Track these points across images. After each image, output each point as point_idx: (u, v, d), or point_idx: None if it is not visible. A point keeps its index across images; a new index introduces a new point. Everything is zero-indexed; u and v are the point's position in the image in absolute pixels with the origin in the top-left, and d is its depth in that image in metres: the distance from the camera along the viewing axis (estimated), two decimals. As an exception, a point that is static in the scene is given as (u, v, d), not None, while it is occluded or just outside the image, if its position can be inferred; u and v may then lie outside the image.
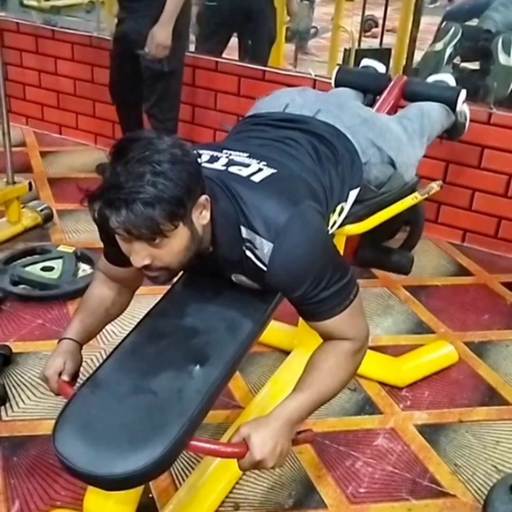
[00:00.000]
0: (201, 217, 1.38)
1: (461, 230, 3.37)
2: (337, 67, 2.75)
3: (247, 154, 1.61)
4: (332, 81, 2.62)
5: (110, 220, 1.28)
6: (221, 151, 1.62)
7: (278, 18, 4.02)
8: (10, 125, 3.16)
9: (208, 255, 1.49)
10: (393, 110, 2.46)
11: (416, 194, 2.14)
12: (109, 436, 1.33)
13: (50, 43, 4.20)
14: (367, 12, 5.27)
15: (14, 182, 3.16)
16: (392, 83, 2.51)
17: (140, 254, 1.32)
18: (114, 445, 1.31)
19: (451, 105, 2.45)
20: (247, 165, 1.55)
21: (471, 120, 3.09)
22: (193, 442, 1.36)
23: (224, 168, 1.54)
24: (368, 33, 5.85)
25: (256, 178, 1.50)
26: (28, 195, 3.28)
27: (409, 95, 2.52)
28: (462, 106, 2.52)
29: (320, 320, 1.47)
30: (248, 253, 1.46)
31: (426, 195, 2.17)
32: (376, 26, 5.82)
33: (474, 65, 4.37)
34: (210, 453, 1.44)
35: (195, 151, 1.55)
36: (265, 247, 1.42)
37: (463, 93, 2.49)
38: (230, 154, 1.61)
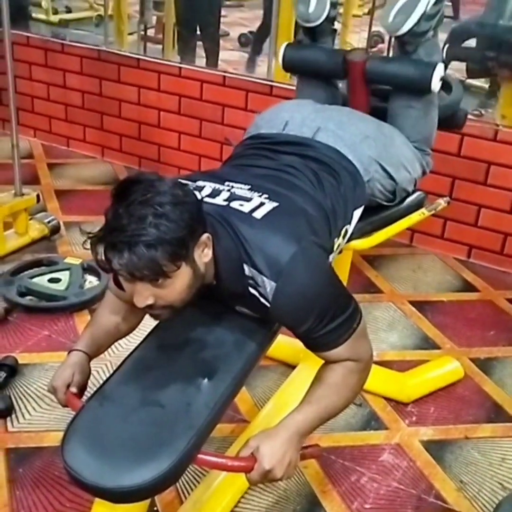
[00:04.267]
0: (203, 255, 1.39)
1: (467, 246, 3.37)
2: (284, 44, 2.29)
3: (248, 187, 1.61)
4: (280, 62, 2.28)
5: (113, 263, 1.29)
6: (223, 183, 1.62)
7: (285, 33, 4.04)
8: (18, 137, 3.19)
9: (212, 287, 1.50)
10: (365, 98, 2.18)
11: (423, 210, 2.15)
12: (117, 449, 1.33)
13: (59, 56, 4.24)
14: (374, 28, 5.30)
15: (22, 194, 3.17)
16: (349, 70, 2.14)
17: (143, 295, 1.33)
18: (122, 458, 1.32)
19: (425, 86, 2.03)
20: (249, 199, 1.55)
21: (477, 137, 3.13)
22: (201, 456, 1.36)
23: (225, 203, 1.54)
24: (375, 49, 5.88)
25: (258, 214, 1.50)
26: (36, 207, 3.29)
27: (373, 78, 2.15)
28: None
29: (325, 351, 1.49)
30: (251, 289, 1.47)
31: (433, 211, 2.18)
32: (383, 41, 5.85)
33: (480, 82, 4.41)
34: (218, 467, 1.44)
35: (197, 183, 1.58)
36: (268, 286, 1.42)
37: (439, 68, 2.02)
38: (232, 187, 1.61)
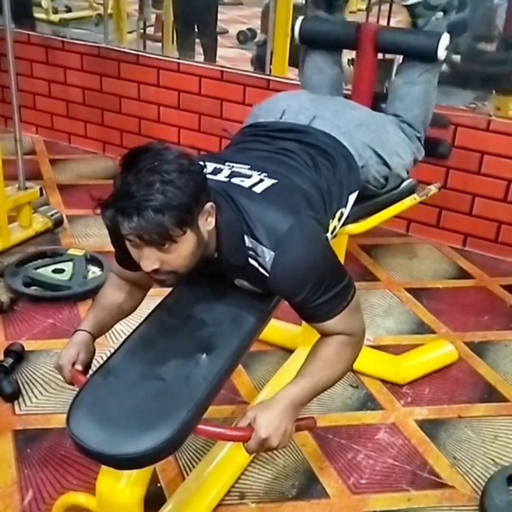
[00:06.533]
0: (207, 223, 1.46)
1: (462, 235, 3.43)
2: (300, 18, 2.40)
3: (248, 166, 1.68)
4: (296, 35, 2.39)
5: (122, 227, 1.35)
6: (223, 164, 1.70)
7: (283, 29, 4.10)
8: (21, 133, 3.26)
9: (213, 261, 1.56)
10: (373, 68, 2.29)
11: (415, 195, 2.22)
12: (120, 419, 1.40)
13: (59, 53, 4.30)
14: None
15: (25, 188, 3.24)
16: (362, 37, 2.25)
17: (150, 259, 1.39)
18: (126, 427, 1.38)
19: (431, 53, 2.17)
20: (249, 176, 1.63)
21: (471, 127, 3.19)
22: (201, 426, 1.43)
23: (227, 179, 1.61)
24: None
25: (258, 189, 1.58)
26: (39, 200, 3.36)
27: (383, 46, 2.28)
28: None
29: (320, 322, 1.56)
30: (251, 260, 1.53)
31: (425, 197, 2.24)
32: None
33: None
34: (217, 436, 1.51)
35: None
36: (267, 255, 1.49)
37: (445, 38, 2.16)
38: (232, 166, 1.68)
